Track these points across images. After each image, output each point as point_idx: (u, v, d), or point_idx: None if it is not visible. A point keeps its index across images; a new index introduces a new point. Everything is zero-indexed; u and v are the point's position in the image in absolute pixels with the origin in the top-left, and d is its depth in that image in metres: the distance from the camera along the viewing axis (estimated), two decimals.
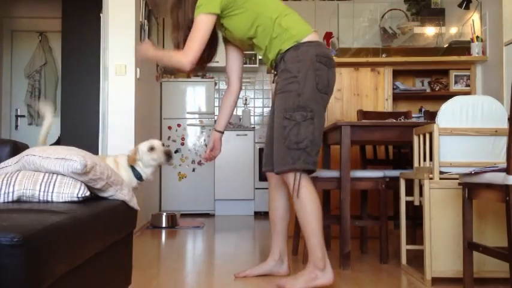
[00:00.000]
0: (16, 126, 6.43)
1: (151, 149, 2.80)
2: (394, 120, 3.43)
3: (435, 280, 2.64)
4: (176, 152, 6.41)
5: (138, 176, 2.82)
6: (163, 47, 6.64)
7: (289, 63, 2.49)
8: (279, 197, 2.78)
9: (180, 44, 2.61)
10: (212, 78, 6.78)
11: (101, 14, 4.35)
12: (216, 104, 7.17)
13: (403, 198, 3.05)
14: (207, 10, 2.48)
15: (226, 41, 2.84)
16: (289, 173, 2.48)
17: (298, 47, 2.50)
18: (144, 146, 2.84)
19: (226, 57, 2.89)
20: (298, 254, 3.47)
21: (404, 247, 3.04)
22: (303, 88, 2.45)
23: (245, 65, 6.86)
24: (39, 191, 1.80)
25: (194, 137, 6.46)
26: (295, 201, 2.50)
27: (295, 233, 3.47)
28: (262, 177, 6.41)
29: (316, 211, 2.49)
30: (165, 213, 5.03)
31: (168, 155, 2.83)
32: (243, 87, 7.20)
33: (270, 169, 2.69)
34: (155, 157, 2.82)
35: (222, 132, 2.96)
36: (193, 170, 6.38)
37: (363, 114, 3.91)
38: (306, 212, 2.48)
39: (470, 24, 4.80)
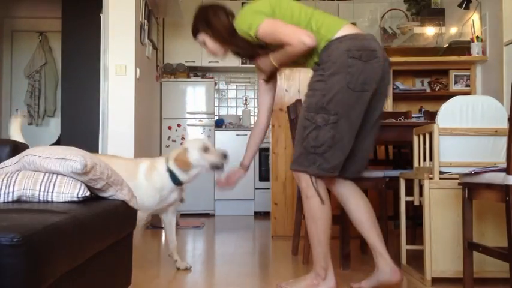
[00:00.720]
0: None
1: (206, 149, 2.63)
2: (394, 120, 3.43)
3: (435, 280, 2.64)
4: None
5: (177, 181, 2.65)
6: (163, 47, 6.65)
7: (322, 64, 2.34)
8: (347, 198, 2.57)
9: (240, 53, 2.58)
10: (212, 78, 6.78)
11: (101, 14, 4.35)
12: (216, 104, 7.18)
13: (403, 198, 3.05)
14: (260, 20, 2.34)
15: (260, 71, 2.68)
16: (302, 174, 2.37)
17: (329, 46, 2.32)
18: (195, 146, 2.63)
19: (258, 89, 2.76)
20: (298, 253, 3.47)
21: (404, 247, 3.04)
22: (329, 88, 2.27)
23: (245, 65, 6.88)
24: (39, 191, 1.81)
25: (194, 137, 6.45)
26: (304, 204, 2.42)
27: (295, 232, 3.47)
28: (262, 177, 6.42)
29: (325, 221, 2.38)
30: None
31: (225, 156, 2.67)
32: (243, 87, 7.27)
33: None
34: (211, 159, 2.63)
35: (247, 169, 2.80)
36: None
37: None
38: (315, 222, 2.38)
39: (470, 24, 4.80)
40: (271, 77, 2.64)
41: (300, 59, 2.42)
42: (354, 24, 2.48)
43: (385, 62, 2.35)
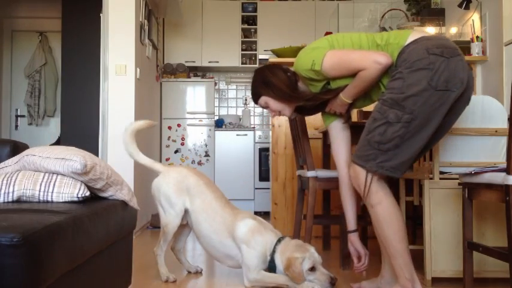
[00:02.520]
0: (16, 126, 6.43)
1: (312, 269, 2.44)
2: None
3: (435, 280, 2.64)
4: (176, 152, 6.42)
5: (272, 267, 2.52)
6: (163, 47, 6.65)
7: (399, 67, 2.15)
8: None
9: (307, 105, 2.45)
10: (212, 78, 6.79)
11: (101, 14, 4.35)
12: (216, 104, 7.18)
13: (403, 198, 3.05)
14: (323, 52, 2.23)
15: (328, 122, 2.51)
16: (360, 168, 2.19)
17: (403, 51, 2.15)
18: (305, 263, 2.43)
19: (330, 135, 2.55)
20: None
21: None
22: (407, 86, 2.09)
23: (245, 65, 6.88)
24: (39, 191, 1.81)
25: (194, 137, 6.46)
26: (370, 213, 2.24)
27: (295, 232, 3.47)
28: (262, 177, 6.42)
29: (400, 229, 2.18)
30: None
31: (332, 283, 2.43)
32: (243, 87, 7.27)
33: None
34: (313, 280, 2.43)
35: (357, 231, 2.55)
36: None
37: (363, 114, 3.90)
38: (387, 232, 2.19)
39: (470, 24, 4.80)
40: (349, 118, 2.48)
41: (371, 90, 2.29)
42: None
43: (466, 64, 2.18)
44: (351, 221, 2.52)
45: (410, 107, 2.08)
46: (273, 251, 2.54)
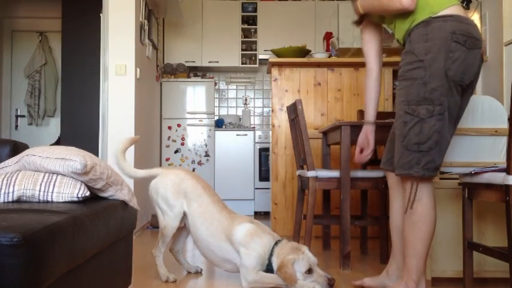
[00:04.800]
0: (16, 126, 6.43)
1: (309, 271, 2.44)
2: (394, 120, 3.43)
3: (435, 280, 2.64)
4: (176, 152, 6.42)
5: (270, 270, 2.51)
6: (163, 47, 6.65)
7: (414, 43, 2.08)
8: (396, 202, 2.42)
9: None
10: (212, 78, 6.79)
11: (101, 14, 4.35)
12: (216, 104, 7.18)
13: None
14: None
15: (361, 21, 2.52)
16: (406, 177, 2.14)
17: (429, 23, 2.06)
18: (299, 266, 2.43)
19: (362, 36, 2.56)
20: None
21: None
22: (430, 75, 2.02)
23: (245, 65, 6.88)
24: (39, 191, 1.81)
25: (194, 137, 6.46)
26: (407, 211, 2.16)
27: (295, 232, 3.47)
28: (262, 177, 6.42)
29: (428, 233, 2.13)
30: None
31: (330, 285, 2.42)
32: (243, 87, 7.28)
33: (390, 169, 2.36)
34: (314, 281, 2.42)
35: (374, 123, 2.55)
36: (193, 170, 6.38)
37: (363, 114, 3.90)
38: (415, 229, 2.13)
39: None
40: (359, 22, 2.48)
41: (388, 18, 2.29)
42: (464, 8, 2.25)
43: (481, 56, 2.13)
44: (372, 113, 2.54)
45: (438, 98, 2.02)
46: (271, 254, 2.54)
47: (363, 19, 2.45)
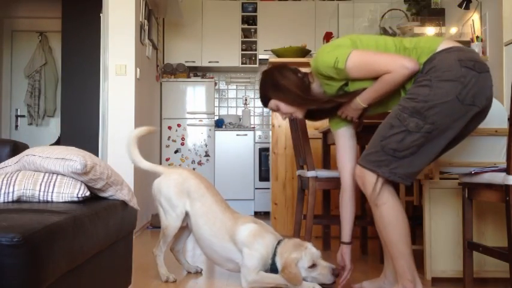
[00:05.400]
0: (16, 126, 6.44)
1: (313, 265, 2.42)
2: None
3: (435, 280, 2.64)
4: (176, 152, 6.42)
5: (274, 270, 2.49)
6: (163, 47, 6.65)
7: (427, 73, 2.06)
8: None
9: (320, 109, 2.35)
10: (212, 78, 6.79)
11: (101, 14, 4.35)
12: (216, 104, 7.18)
13: (403, 198, 3.05)
14: (348, 51, 2.14)
15: (336, 128, 2.45)
16: (369, 172, 2.15)
17: (433, 58, 2.06)
18: (303, 263, 2.42)
19: (337, 145, 2.47)
20: None
21: None
22: (434, 95, 2.02)
23: (245, 65, 6.88)
24: (39, 191, 1.81)
25: (194, 137, 6.46)
26: (374, 213, 2.20)
27: (295, 232, 3.47)
28: (262, 177, 6.42)
29: (404, 231, 2.14)
30: None
31: (335, 275, 2.42)
32: (243, 87, 7.27)
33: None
34: (317, 276, 2.42)
35: (350, 244, 2.50)
36: (193, 170, 6.38)
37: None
38: (390, 231, 2.15)
39: (470, 24, 4.80)
40: (360, 124, 2.41)
41: (392, 99, 2.21)
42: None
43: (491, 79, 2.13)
44: (347, 233, 2.48)
45: (432, 117, 2.03)
46: (274, 254, 2.53)
47: (362, 116, 2.35)
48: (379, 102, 2.25)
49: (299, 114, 2.38)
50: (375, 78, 2.14)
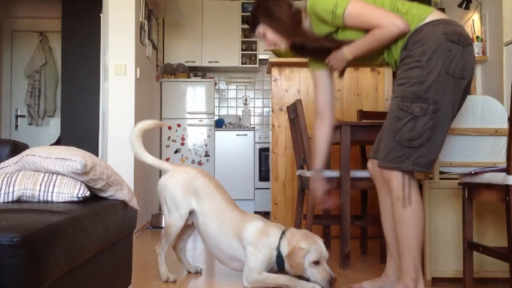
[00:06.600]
0: (16, 126, 6.44)
1: (316, 263, 2.41)
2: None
3: (435, 280, 2.64)
4: (176, 152, 6.42)
5: (281, 264, 2.50)
6: (163, 47, 6.65)
7: (411, 48, 2.13)
8: (386, 204, 2.38)
9: (306, 46, 2.36)
10: (212, 78, 6.79)
11: (101, 14, 4.35)
12: (216, 104, 7.18)
13: None
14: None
15: (316, 68, 2.51)
16: (393, 171, 2.15)
17: (420, 30, 2.12)
18: (310, 255, 2.40)
19: (315, 83, 2.52)
20: None
21: None
22: (427, 74, 2.07)
23: (245, 65, 6.88)
24: (39, 191, 1.81)
25: (194, 137, 6.46)
26: (395, 207, 2.18)
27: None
28: (262, 177, 6.43)
29: (421, 229, 2.16)
30: None
31: (330, 283, 2.39)
32: (243, 87, 7.28)
33: (375, 156, 2.34)
34: (314, 274, 2.40)
35: (321, 170, 2.52)
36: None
37: (363, 114, 3.91)
38: (408, 227, 2.14)
39: (470, 24, 4.80)
40: (343, 72, 2.43)
41: (375, 55, 2.28)
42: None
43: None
44: (320, 159, 2.50)
45: (433, 97, 2.07)
46: (279, 245, 2.51)
47: (347, 66, 2.39)
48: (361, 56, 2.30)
49: (283, 44, 2.42)
50: (366, 31, 2.19)
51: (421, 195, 2.23)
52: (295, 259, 2.39)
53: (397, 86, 2.17)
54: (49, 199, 1.81)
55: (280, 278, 2.47)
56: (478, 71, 4.72)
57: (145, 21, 4.77)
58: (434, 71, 2.07)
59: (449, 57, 2.07)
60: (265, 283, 2.50)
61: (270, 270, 2.55)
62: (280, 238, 2.52)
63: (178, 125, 6.43)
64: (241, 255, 2.61)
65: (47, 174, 1.85)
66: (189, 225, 2.86)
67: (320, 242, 2.48)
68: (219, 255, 2.72)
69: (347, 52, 2.27)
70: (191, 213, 2.73)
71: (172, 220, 2.71)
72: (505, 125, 2.62)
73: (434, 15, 2.16)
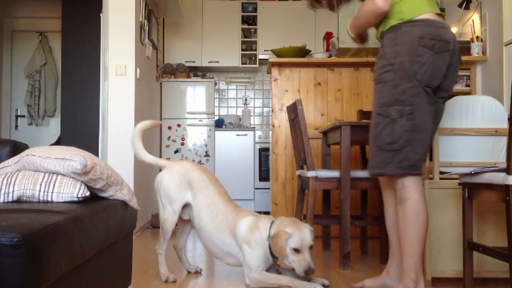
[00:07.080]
0: (16, 126, 6.43)
1: (297, 250, 2.41)
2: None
3: (435, 280, 2.64)
4: (176, 152, 6.42)
5: (273, 254, 2.48)
6: (163, 47, 6.65)
7: (386, 48, 2.17)
8: (389, 202, 2.41)
9: (334, 7, 2.47)
10: (212, 78, 6.79)
11: (101, 14, 4.35)
12: (216, 104, 7.18)
13: None
14: None
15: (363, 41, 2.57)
16: (395, 177, 2.16)
17: (398, 28, 2.15)
18: (292, 241, 2.40)
19: None
20: None
21: None
22: (401, 77, 2.09)
23: (245, 65, 6.88)
24: (39, 191, 1.81)
25: (194, 137, 6.46)
26: (399, 207, 2.19)
27: None
28: (262, 177, 6.42)
29: (423, 229, 2.15)
30: None
31: (307, 273, 2.39)
32: (243, 87, 7.28)
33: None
34: (296, 261, 2.40)
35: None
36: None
37: (363, 114, 3.91)
38: (410, 227, 2.14)
39: (470, 24, 4.80)
40: (363, 41, 2.49)
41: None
42: (440, 15, 2.25)
43: (455, 57, 2.18)
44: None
45: (408, 99, 2.09)
46: (269, 234, 2.51)
47: (360, 40, 2.48)
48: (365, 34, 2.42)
49: None
50: None
51: (424, 193, 2.22)
52: (278, 242, 2.39)
53: (375, 92, 2.20)
54: (49, 199, 1.81)
55: (282, 279, 2.47)
56: (478, 71, 4.72)
57: (145, 21, 4.77)
58: (406, 75, 2.09)
59: (419, 63, 2.08)
60: (267, 283, 2.50)
61: (267, 261, 2.56)
62: (271, 228, 2.53)
63: (178, 125, 6.43)
64: (236, 252, 2.62)
65: (47, 174, 1.85)
66: (187, 221, 2.86)
67: (306, 229, 2.46)
68: (214, 250, 2.73)
69: (349, 30, 2.36)
70: (187, 207, 2.74)
71: (166, 215, 2.72)
72: (505, 125, 2.62)
73: (423, 16, 2.15)
